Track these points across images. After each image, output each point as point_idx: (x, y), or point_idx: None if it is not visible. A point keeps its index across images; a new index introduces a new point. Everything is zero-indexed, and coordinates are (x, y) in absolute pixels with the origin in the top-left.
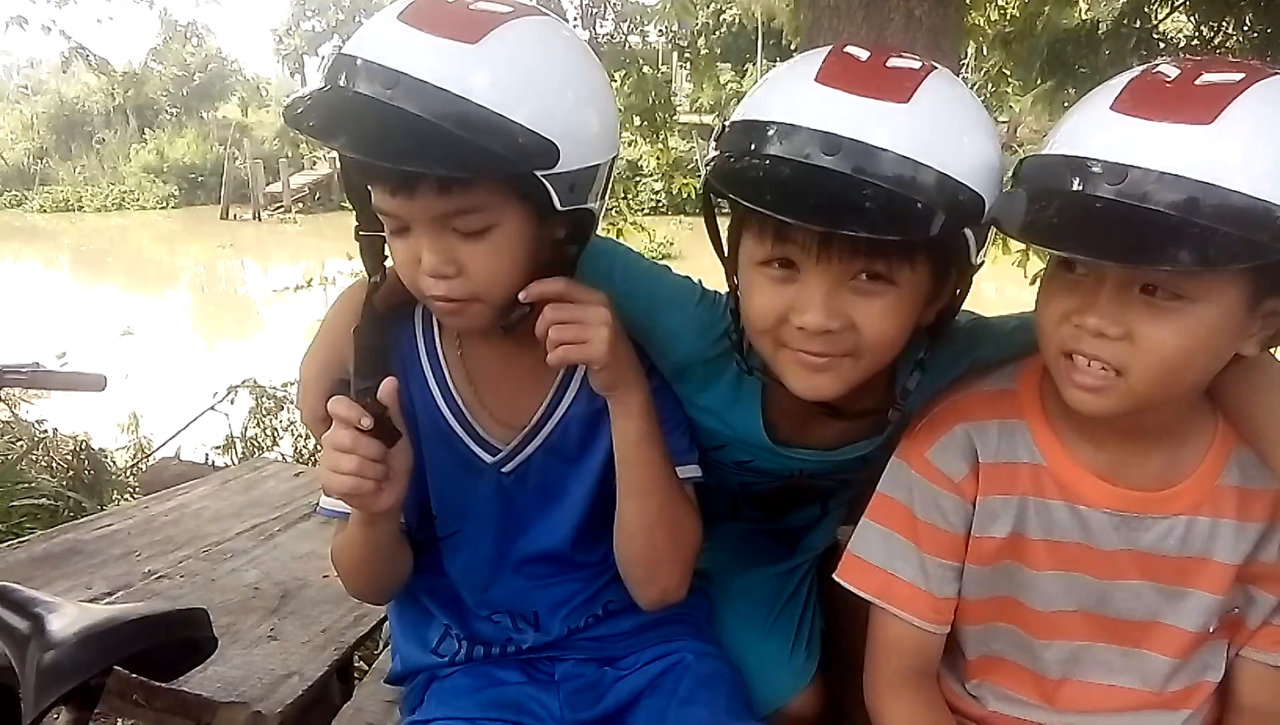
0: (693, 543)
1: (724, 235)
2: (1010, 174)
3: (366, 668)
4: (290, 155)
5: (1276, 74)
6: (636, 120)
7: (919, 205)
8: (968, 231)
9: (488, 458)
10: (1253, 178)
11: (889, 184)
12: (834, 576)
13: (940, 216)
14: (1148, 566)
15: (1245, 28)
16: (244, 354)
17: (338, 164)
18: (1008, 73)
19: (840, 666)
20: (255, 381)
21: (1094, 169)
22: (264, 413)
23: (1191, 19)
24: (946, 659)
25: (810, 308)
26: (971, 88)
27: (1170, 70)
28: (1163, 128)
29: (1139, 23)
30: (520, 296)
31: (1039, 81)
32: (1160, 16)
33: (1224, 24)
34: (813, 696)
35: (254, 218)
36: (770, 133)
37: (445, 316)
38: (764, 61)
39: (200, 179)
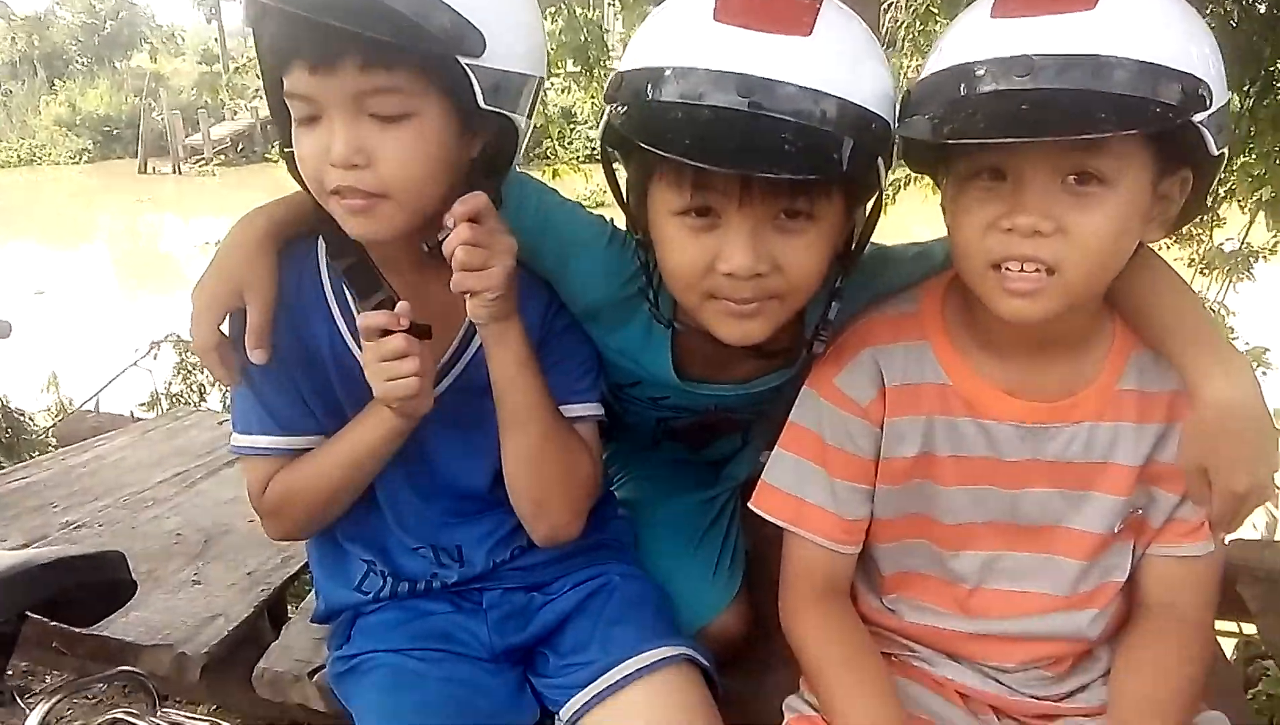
0: (584, 480)
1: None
2: (900, 102)
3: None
4: (210, 105)
5: None
6: (569, 63)
7: (837, 139)
8: (879, 159)
9: None
10: (1147, 46)
11: (806, 120)
12: (749, 504)
13: (857, 148)
14: (1053, 474)
15: None
16: (167, 310)
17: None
18: (935, 11)
19: (764, 586)
20: (179, 337)
21: (997, 67)
22: (189, 368)
23: None
24: (864, 576)
25: (737, 253)
26: (900, 26)
27: None
28: (1052, 20)
29: None
30: (446, 219)
31: None
32: None
33: None
34: (736, 615)
35: (174, 171)
36: (677, 78)
37: (351, 218)
38: None
39: (115, 132)
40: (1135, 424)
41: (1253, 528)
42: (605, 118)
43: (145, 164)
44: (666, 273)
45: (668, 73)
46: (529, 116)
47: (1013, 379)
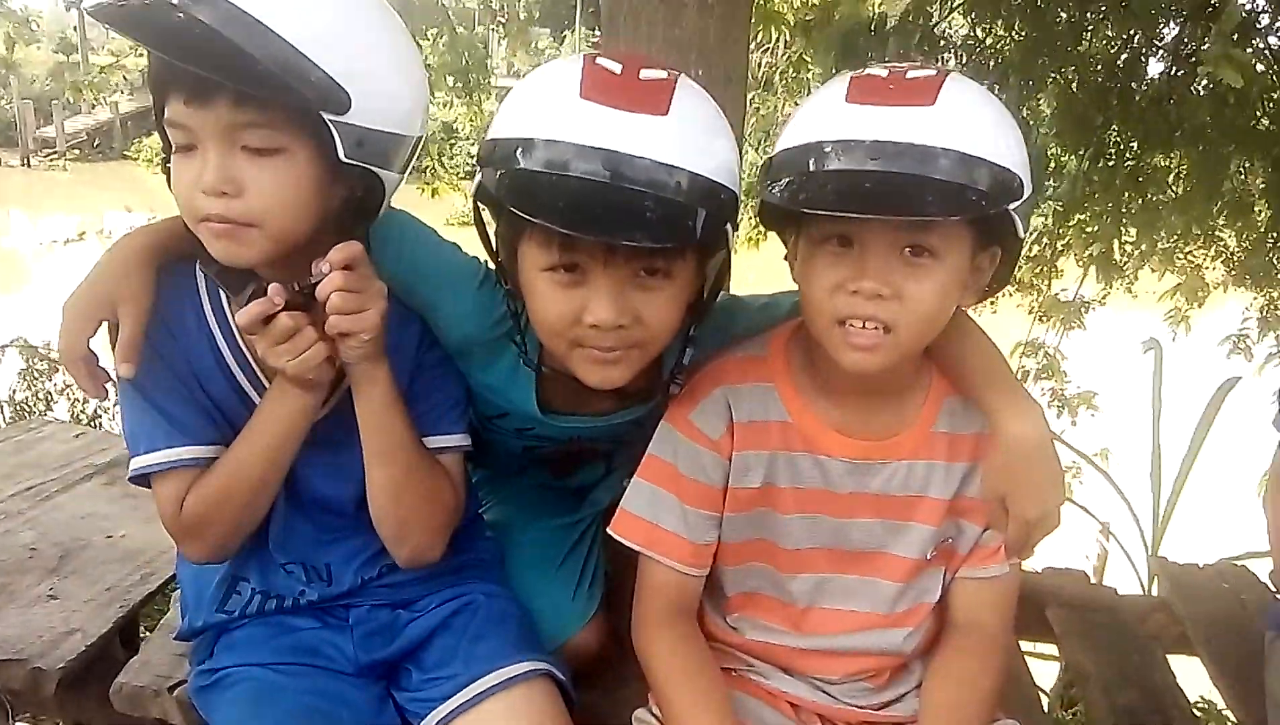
0: (445, 508)
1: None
2: (762, 168)
3: (149, 633)
4: (71, 99)
5: (954, 71)
6: (450, 80)
7: (691, 209)
8: (729, 225)
9: None
10: (977, 142)
11: (665, 193)
12: (608, 530)
13: (709, 217)
14: (876, 505)
15: (1014, 30)
16: (11, 312)
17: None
18: (808, 59)
19: (621, 605)
20: (25, 341)
21: (848, 149)
22: (36, 375)
23: (968, 19)
24: (710, 597)
25: (602, 308)
26: (775, 73)
27: (880, 71)
28: (898, 111)
29: (921, 20)
30: (321, 265)
31: (834, 70)
32: (940, 16)
33: (995, 26)
34: (595, 631)
35: (22, 163)
36: (546, 148)
37: (218, 241)
38: (582, 29)
39: None
40: (946, 463)
41: (1085, 558)
42: (478, 178)
43: None
44: (536, 322)
45: (537, 143)
46: (403, 171)
47: (844, 420)
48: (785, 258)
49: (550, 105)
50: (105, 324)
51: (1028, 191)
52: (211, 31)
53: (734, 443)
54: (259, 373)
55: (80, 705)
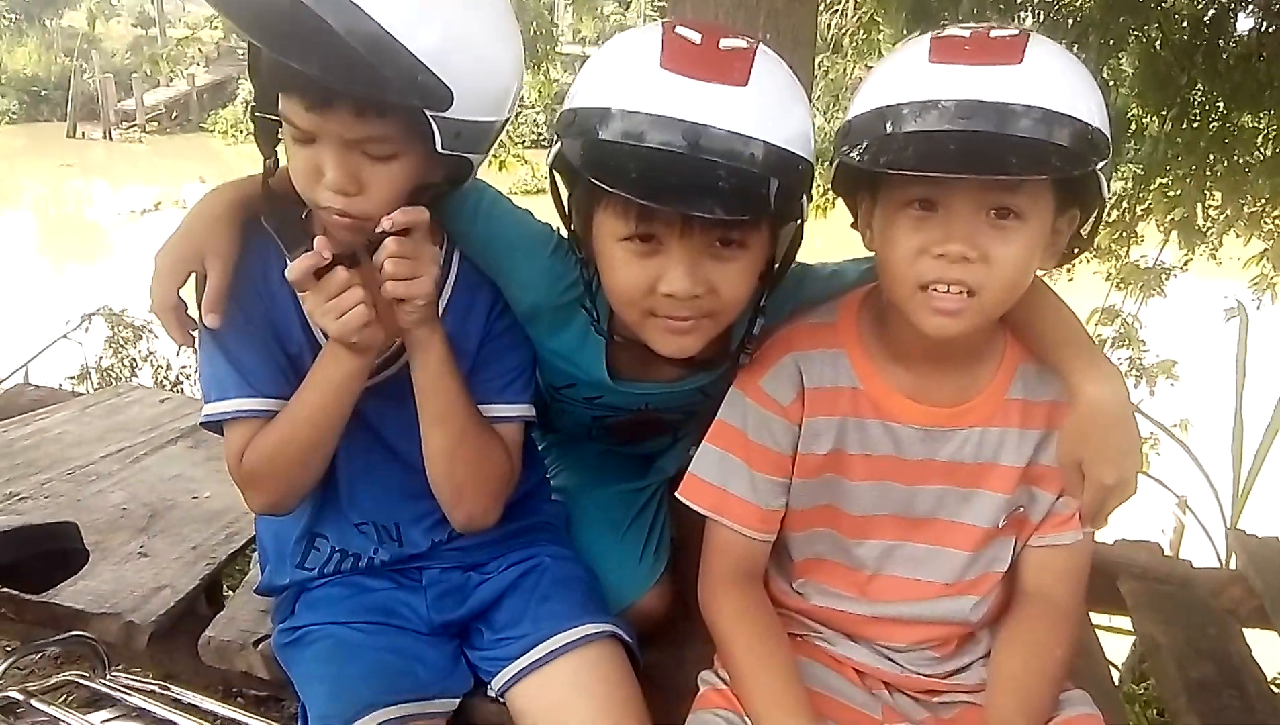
0: (501, 474)
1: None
2: (839, 133)
3: (232, 592)
4: (149, 72)
5: (1033, 31)
6: None
7: (768, 181)
8: (803, 196)
9: None
10: (1068, 101)
11: (743, 164)
12: (676, 494)
13: (785, 188)
14: (947, 473)
15: None
16: (95, 280)
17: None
18: (879, 20)
19: (687, 569)
20: (111, 309)
21: (938, 109)
22: (121, 342)
23: None
24: (775, 562)
25: (678, 278)
26: (845, 35)
27: (961, 31)
28: (986, 70)
29: None
30: (385, 223)
31: (905, 31)
32: None
33: None
34: (661, 595)
35: (104, 136)
36: (626, 120)
37: (336, 228)
38: None
39: (44, 93)
40: (1019, 429)
41: (1161, 532)
42: (556, 147)
43: (74, 127)
44: (610, 291)
45: (616, 114)
46: (487, 152)
47: (915, 386)
48: (852, 226)
49: (630, 75)
50: (194, 275)
51: (1110, 150)
52: (323, 26)
53: (804, 409)
54: None
55: (171, 657)
